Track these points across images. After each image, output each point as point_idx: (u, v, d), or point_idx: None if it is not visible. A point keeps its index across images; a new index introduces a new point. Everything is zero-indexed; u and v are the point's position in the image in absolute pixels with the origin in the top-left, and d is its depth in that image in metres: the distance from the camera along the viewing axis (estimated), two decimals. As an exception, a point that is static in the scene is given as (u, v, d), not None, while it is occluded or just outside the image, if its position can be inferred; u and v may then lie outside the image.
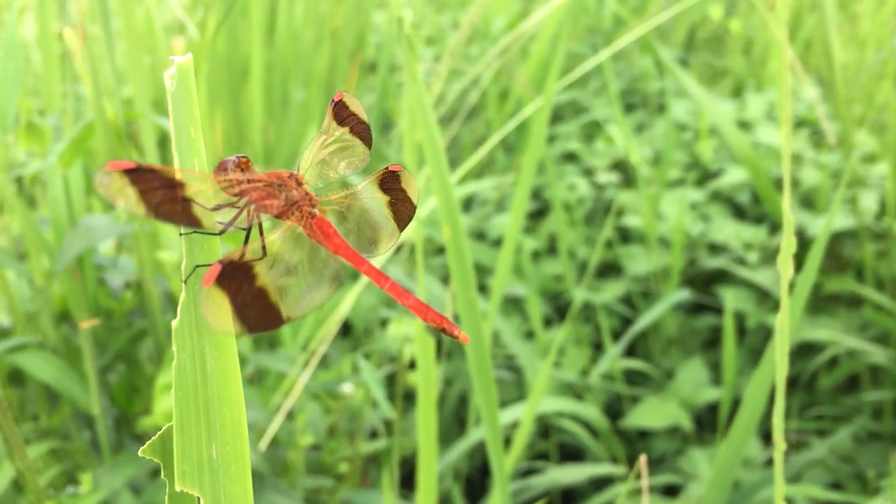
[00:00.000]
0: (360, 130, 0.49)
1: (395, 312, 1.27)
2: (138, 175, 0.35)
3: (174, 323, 0.36)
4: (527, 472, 1.37)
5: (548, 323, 1.59)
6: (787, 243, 0.59)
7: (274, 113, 1.65)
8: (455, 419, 1.44)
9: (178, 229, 0.38)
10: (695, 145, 1.80)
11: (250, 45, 1.54)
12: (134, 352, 0.99)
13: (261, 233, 0.40)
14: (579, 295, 1.44)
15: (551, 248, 1.73)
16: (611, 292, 1.53)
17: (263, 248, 0.39)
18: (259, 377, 1.13)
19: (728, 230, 1.55)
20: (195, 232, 0.38)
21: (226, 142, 1.56)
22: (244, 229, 0.41)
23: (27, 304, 1.02)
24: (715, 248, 1.61)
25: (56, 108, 1.05)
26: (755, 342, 1.49)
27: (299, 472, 1.06)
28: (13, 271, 0.94)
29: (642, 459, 0.73)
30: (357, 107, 0.48)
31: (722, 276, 1.60)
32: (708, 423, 1.44)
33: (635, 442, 1.43)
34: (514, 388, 1.45)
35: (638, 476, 1.16)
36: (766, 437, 1.38)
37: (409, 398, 1.39)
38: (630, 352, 1.57)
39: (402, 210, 0.48)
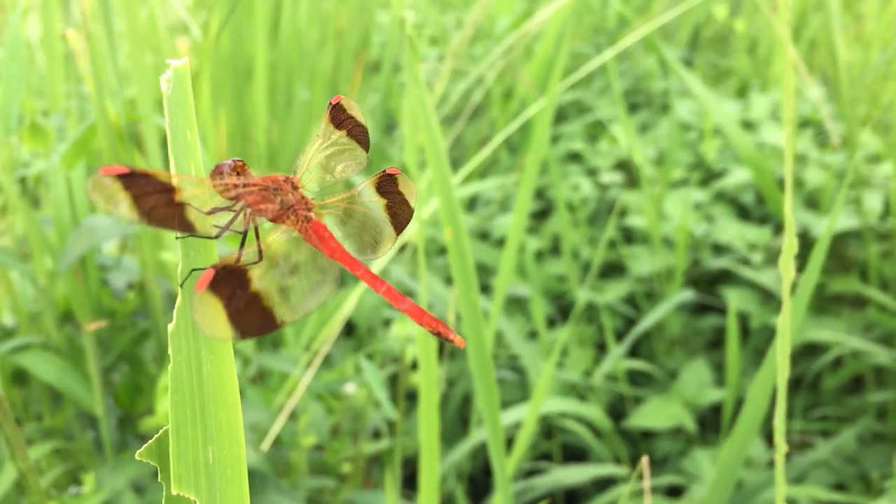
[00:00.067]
0: (358, 133, 0.49)
1: (397, 313, 1.27)
2: (131, 180, 0.35)
3: (170, 326, 0.36)
4: (530, 473, 1.37)
5: (551, 323, 1.59)
6: (789, 245, 0.59)
7: (278, 112, 1.65)
8: (458, 419, 1.44)
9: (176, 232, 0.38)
10: (699, 145, 1.80)
11: (254, 44, 1.54)
12: (137, 352, 0.99)
13: (257, 236, 0.40)
14: (582, 295, 1.44)
15: (555, 249, 1.73)
16: (614, 293, 1.53)
17: (260, 251, 0.39)
18: (262, 377, 1.13)
19: (732, 230, 1.55)
20: (192, 235, 0.38)
21: (230, 141, 1.57)
22: (240, 233, 0.40)
23: (31, 305, 1.02)
24: (719, 249, 1.60)
25: (60, 109, 1.06)
26: (759, 343, 1.48)
27: (302, 473, 1.06)
28: (17, 271, 0.95)
29: (644, 461, 0.73)
30: (354, 110, 0.48)
31: (726, 277, 1.60)
32: (711, 424, 1.44)
33: (638, 442, 1.43)
34: (518, 388, 1.45)
35: (641, 477, 1.16)
36: (770, 437, 1.37)
37: (413, 398, 1.39)
38: (633, 352, 1.57)
39: (400, 213, 0.48)
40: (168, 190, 0.36)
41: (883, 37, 1.88)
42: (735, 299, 1.42)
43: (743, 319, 1.47)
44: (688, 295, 1.43)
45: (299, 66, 1.69)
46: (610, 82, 1.95)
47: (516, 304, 1.56)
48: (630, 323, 1.57)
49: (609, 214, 1.71)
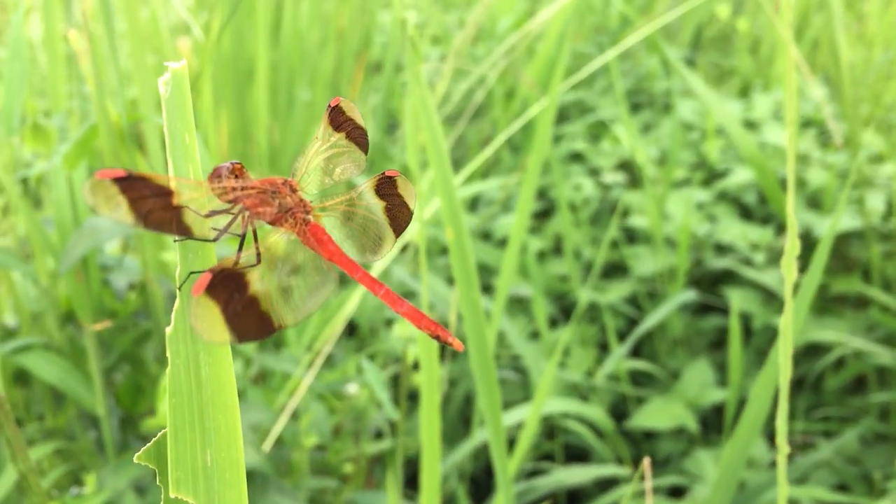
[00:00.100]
0: (357, 136, 0.48)
1: (399, 313, 1.27)
2: (129, 183, 0.35)
3: (168, 330, 0.36)
4: (532, 473, 1.37)
5: (553, 323, 1.59)
6: (791, 246, 0.58)
7: (279, 113, 1.65)
8: (460, 419, 1.44)
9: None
10: (701, 145, 1.79)
11: (255, 45, 1.54)
12: (139, 352, 0.99)
13: (255, 239, 0.40)
14: (585, 295, 1.44)
15: (557, 249, 1.73)
16: (616, 293, 1.53)
17: (258, 254, 0.39)
18: (263, 377, 1.13)
19: (734, 230, 1.55)
20: (190, 238, 0.38)
21: (231, 142, 1.57)
22: (238, 236, 0.40)
23: (33, 305, 1.02)
24: (721, 249, 1.60)
25: (62, 109, 1.06)
26: (761, 343, 1.48)
27: (304, 473, 1.06)
28: (19, 272, 0.95)
29: (646, 462, 0.73)
30: (353, 112, 0.48)
31: (728, 277, 1.60)
32: (713, 425, 1.44)
33: (641, 443, 1.43)
34: (520, 388, 1.45)
35: (643, 477, 1.16)
36: (772, 437, 1.37)
37: (414, 398, 1.39)
38: (636, 352, 1.56)
39: (399, 215, 0.48)
40: (165, 193, 0.36)
41: (885, 36, 1.88)
42: (737, 299, 1.41)
43: (745, 320, 1.47)
44: (690, 295, 1.43)
45: (301, 66, 1.69)
46: (612, 82, 1.94)
47: (518, 305, 1.56)
48: (632, 323, 1.57)
49: (611, 214, 1.71)
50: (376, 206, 0.47)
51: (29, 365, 0.90)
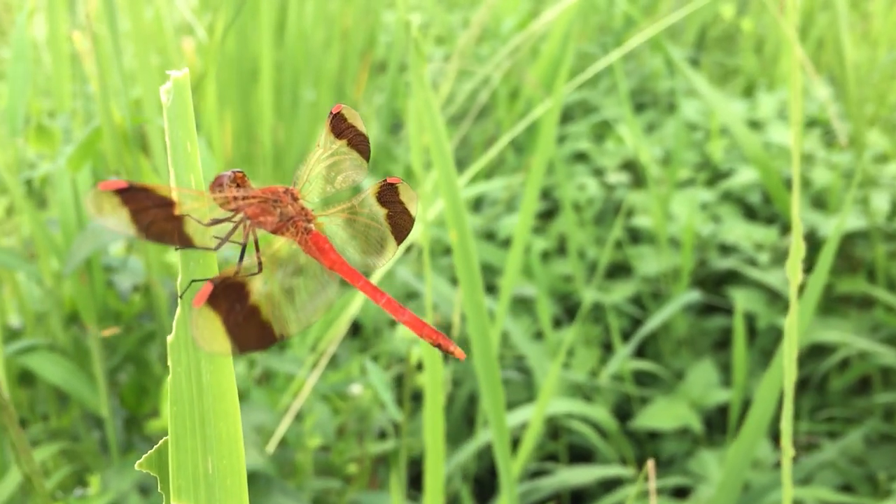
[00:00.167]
0: (359, 143, 0.48)
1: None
2: (130, 195, 0.35)
3: (169, 338, 0.36)
4: (536, 474, 1.37)
5: (557, 324, 1.58)
6: (796, 248, 0.58)
7: (284, 113, 1.65)
8: (464, 419, 1.44)
9: None
10: (705, 145, 1.79)
11: (260, 45, 1.54)
12: (143, 353, 0.99)
13: (256, 249, 0.40)
14: (589, 295, 1.44)
15: (561, 249, 1.73)
16: (620, 293, 1.53)
17: (259, 263, 0.38)
18: (267, 378, 1.13)
19: (739, 231, 1.54)
20: (191, 248, 0.38)
21: (235, 142, 1.57)
22: (239, 244, 0.40)
23: (37, 306, 1.02)
24: (725, 249, 1.60)
25: (66, 109, 1.06)
26: (766, 343, 1.48)
27: (307, 474, 1.06)
28: (23, 272, 0.95)
29: (650, 463, 0.73)
30: (355, 119, 0.48)
31: (732, 277, 1.60)
32: (718, 425, 1.44)
33: (645, 443, 1.42)
34: (524, 388, 1.44)
35: (647, 478, 1.16)
36: (777, 438, 1.37)
37: (418, 399, 1.39)
38: (640, 353, 1.56)
39: (401, 223, 0.47)
40: (167, 204, 0.36)
41: (890, 36, 1.87)
42: (742, 300, 1.41)
43: (750, 320, 1.47)
44: (694, 295, 1.43)
45: (305, 66, 1.69)
46: (616, 82, 1.94)
47: (522, 305, 1.56)
48: (636, 323, 1.56)
49: (615, 214, 1.71)
50: (378, 213, 0.47)
51: (33, 366, 0.90)
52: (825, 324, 1.42)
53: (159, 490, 0.36)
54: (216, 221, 0.39)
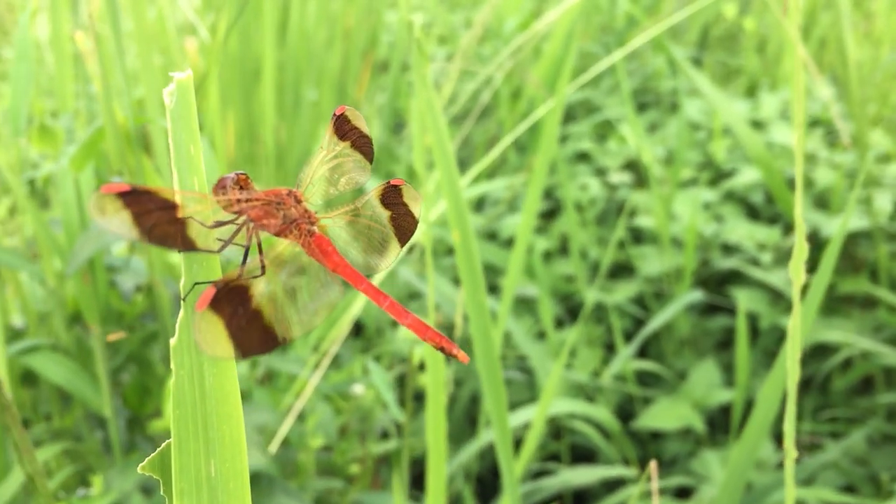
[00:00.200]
0: (362, 144, 0.48)
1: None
2: (133, 198, 0.35)
3: (172, 341, 0.36)
4: (538, 474, 1.37)
5: (559, 324, 1.58)
6: (799, 249, 0.58)
7: (286, 113, 1.65)
8: (466, 419, 1.44)
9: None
10: (708, 145, 1.79)
11: (262, 45, 1.54)
12: (145, 353, 0.99)
13: (260, 251, 0.40)
14: (591, 295, 1.44)
15: (563, 249, 1.73)
16: (623, 293, 1.53)
17: (263, 266, 0.38)
18: (270, 378, 1.13)
19: (741, 230, 1.54)
20: (194, 251, 0.38)
21: (238, 142, 1.57)
22: (243, 246, 0.40)
23: (40, 306, 1.02)
24: (728, 249, 1.60)
25: (69, 109, 1.06)
26: (769, 343, 1.48)
27: (310, 474, 1.06)
28: (26, 272, 0.95)
29: (653, 463, 0.73)
30: (359, 120, 0.48)
31: (735, 277, 1.60)
32: (721, 425, 1.44)
33: (647, 443, 1.42)
34: (526, 388, 1.44)
35: (649, 478, 1.16)
36: (780, 438, 1.37)
37: (420, 399, 1.39)
38: (642, 353, 1.56)
39: (404, 224, 0.47)
40: (169, 207, 0.36)
41: (893, 35, 1.87)
42: (744, 300, 1.41)
43: (752, 320, 1.47)
44: (697, 295, 1.43)
45: (307, 66, 1.69)
46: (619, 82, 1.94)
47: (524, 305, 1.56)
48: (639, 323, 1.56)
49: (618, 214, 1.70)
50: (381, 215, 0.47)
51: (36, 366, 0.90)
52: (828, 324, 1.42)
53: (162, 493, 0.36)
54: (219, 224, 0.39)
